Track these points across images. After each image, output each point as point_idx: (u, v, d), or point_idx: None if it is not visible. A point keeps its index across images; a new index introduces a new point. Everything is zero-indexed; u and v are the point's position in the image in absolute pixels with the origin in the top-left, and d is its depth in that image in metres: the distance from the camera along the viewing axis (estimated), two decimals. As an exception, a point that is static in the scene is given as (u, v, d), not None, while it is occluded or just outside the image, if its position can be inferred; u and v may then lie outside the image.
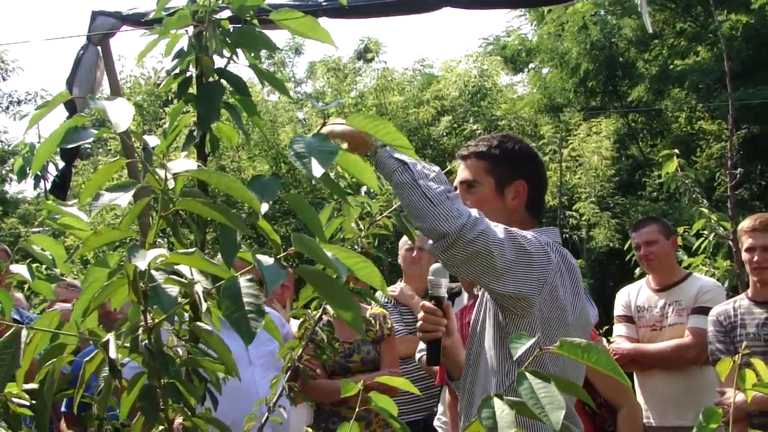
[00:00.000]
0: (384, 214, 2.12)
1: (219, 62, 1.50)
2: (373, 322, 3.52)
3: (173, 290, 1.13)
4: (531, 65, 14.95)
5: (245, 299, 1.10)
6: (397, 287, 4.13)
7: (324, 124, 1.79)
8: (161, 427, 1.26)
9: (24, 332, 1.18)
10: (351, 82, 12.87)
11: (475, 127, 11.40)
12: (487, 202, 2.03)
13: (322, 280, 1.21)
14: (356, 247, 2.06)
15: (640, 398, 3.83)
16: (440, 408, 3.73)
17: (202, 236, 1.42)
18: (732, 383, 1.57)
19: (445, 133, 11.72)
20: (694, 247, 4.74)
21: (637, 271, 4.88)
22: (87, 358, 1.23)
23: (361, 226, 2.08)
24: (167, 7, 1.55)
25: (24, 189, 24.11)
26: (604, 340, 4.08)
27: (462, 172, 2.10)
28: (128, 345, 1.19)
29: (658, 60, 12.42)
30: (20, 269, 1.70)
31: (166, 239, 1.46)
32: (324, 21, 3.21)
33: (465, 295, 3.65)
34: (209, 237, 4.99)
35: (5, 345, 1.16)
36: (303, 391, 3.22)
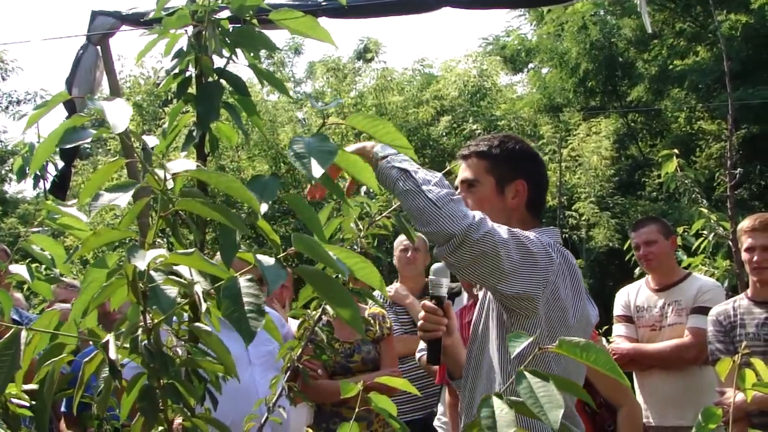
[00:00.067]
0: (383, 215, 2.12)
1: (218, 62, 1.50)
2: (372, 321, 3.52)
3: (172, 291, 1.13)
4: (530, 65, 14.95)
5: (245, 299, 1.10)
6: (392, 287, 4.14)
7: (323, 124, 1.79)
8: (161, 428, 1.26)
9: (23, 333, 1.18)
10: (350, 82, 12.87)
11: (474, 127, 11.40)
12: (487, 202, 2.03)
13: (321, 280, 1.21)
14: (355, 247, 2.07)
15: (639, 398, 3.83)
16: (440, 408, 3.73)
17: (202, 236, 1.42)
18: (732, 383, 1.57)
19: (444, 133, 11.72)
20: (694, 247, 4.74)
21: (637, 271, 4.88)
22: (86, 359, 1.23)
23: (361, 227, 2.08)
24: (167, 6, 1.55)
25: (23, 189, 24.11)
26: (604, 339, 4.08)
27: (463, 171, 2.11)
28: (128, 345, 1.18)
29: (657, 60, 12.42)
30: (20, 269, 1.70)
31: (165, 239, 1.46)
32: (323, 21, 3.21)
33: (465, 295, 3.65)
34: (209, 237, 4.99)
35: (5, 346, 1.16)
36: (304, 391, 3.23)
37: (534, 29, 14.72)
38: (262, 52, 1.55)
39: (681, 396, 3.73)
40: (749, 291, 3.37)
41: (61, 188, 4.27)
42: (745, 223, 3.37)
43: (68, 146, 1.20)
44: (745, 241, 3.32)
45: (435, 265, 2.17)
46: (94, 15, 4.07)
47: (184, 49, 1.51)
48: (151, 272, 1.14)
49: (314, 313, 2.18)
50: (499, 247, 1.81)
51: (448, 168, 2.18)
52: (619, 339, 3.94)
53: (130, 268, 1.11)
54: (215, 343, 1.27)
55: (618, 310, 4.04)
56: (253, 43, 1.50)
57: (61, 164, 4.31)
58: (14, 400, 1.47)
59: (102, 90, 5.05)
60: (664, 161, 4.66)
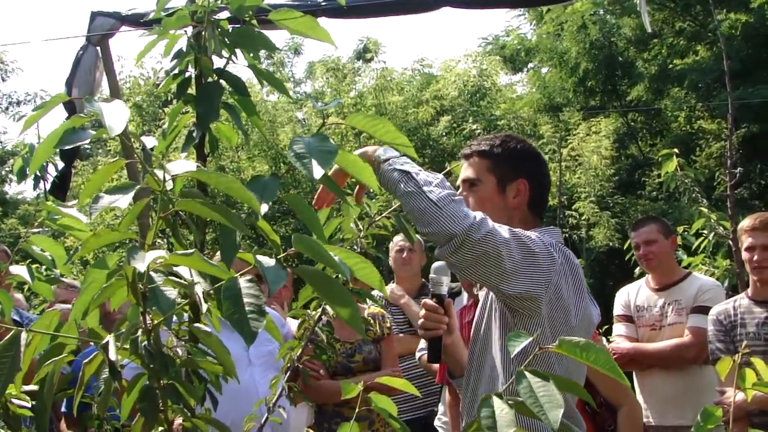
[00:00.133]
0: (383, 215, 2.12)
1: (218, 62, 1.50)
2: (372, 321, 3.53)
3: (172, 292, 1.13)
4: (530, 65, 14.93)
5: (246, 300, 1.10)
6: (388, 288, 4.15)
7: (323, 124, 1.79)
8: (161, 428, 1.26)
9: (23, 335, 1.18)
10: (350, 82, 12.87)
11: (474, 126, 11.40)
12: (488, 201, 2.04)
13: (321, 280, 1.21)
14: (355, 247, 2.07)
15: (639, 398, 3.83)
16: (441, 408, 3.73)
17: (202, 237, 1.42)
18: (732, 382, 1.57)
19: (444, 133, 11.72)
20: (694, 247, 4.74)
21: (637, 270, 4.88)
22: (86, 360, 1.23)
23: (360, 227, 2.09)
24: (166, 7, 1.55)
25: (24, 190, 24.12)
26: (604, 339, 4.08)
27: (464, 170, 2.11)
28: (128, 346, 1.19)
29: (657, 59, 12.41)
30: (20, 270, 1.70)
31: (165, 240, 1.46)
32: (323, 21, 3.21)
33: (465, 295, 3.65)
34: (209, 237, 4.99)
35: (5, 348, 1.16)
36: (305, 392, 3.23)
37: (533, 29, 14.71)
38: (262, 53, 1.56)
39: (681, 395, 3.73)
40: (749, 290, 3.37)
41: (61, 189, 4.27)
42: (746, 223, 3.37)
43: (68, 147, 1.20)
44: (746, 241, 3.32)
45: (436, 264, 2.17)
46: (94, 16, 4.07)
47: (184, 49, 1.51)
48: (151, 273, 1.14)
49: (314, 313, 2.18)
50: (500, 247, 1.81)
51: (448, 168, 2.18)
52: (619, 338, 3.94)
53: (130, 270, 1.11)
54: (215, 344, 1.27)
55: (618, 309, 4.04)
56: (253, 44, 1.50)
57: (61, 165, 4.31)
58: (15, 401, 1.47)
59: (102, 91, 5.05)
60: (664, 161, 4.66)
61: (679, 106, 12.27)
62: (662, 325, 3.85)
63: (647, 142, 13.28)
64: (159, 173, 1.18)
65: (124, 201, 1.14)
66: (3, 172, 18.34)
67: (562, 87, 12.75)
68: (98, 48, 4.10)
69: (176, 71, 1.53)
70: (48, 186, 4.45)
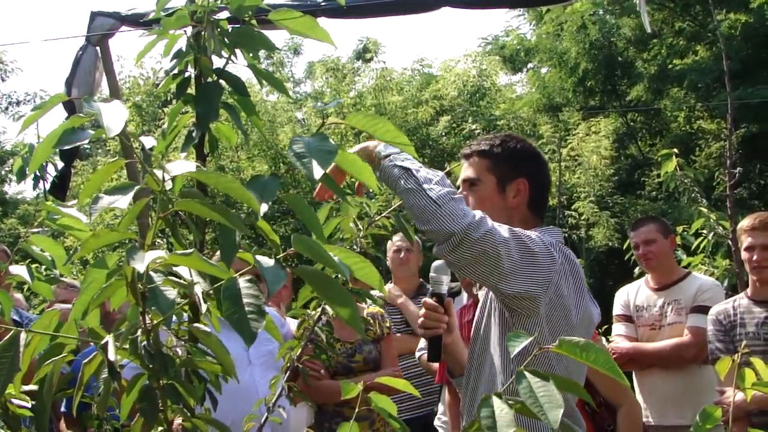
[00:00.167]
0: (383, 215, 2.12)
1: (218, 62, 1.50)
2: (372, 321, 3.53)
3: (171, 292, 1.13)
4: (530, 65, 14.93)
5: (245, 300, 1.10)
6: (384, 288, 4.15)
7: (323, 124, 1.79)
8: (161, 428, 1.26)
9: (23, 335, 1.18)
10: (350, 82, 12.87)
11: (474, 126, 11.40)
12: (488, 200, 2.04)
13: (320, 279, 1.21)
14: (355, 247, 2.07)
15: (639, 397, 3.83)
16: (440, 408, 3.73)
17: (201, 236, 1.42)
18: (731, 382, 1.57)
19: (444, 133, 11.72)
20: (693, 246, 4.74)
21: (637, 270, 4.88)
22: (86, 360, 1.23)
23: (360, 226, 2.09)
24: (166, 7, 1.55)
25: (23, 189, 24.11)
26: (604, 339, 4.08)
27: (465, 170, 2.11)
28: (127, 347, 1.18)
29: (656, 59, 12.41)
30: (20, 270, 1.70)
31: (165, 240, 1.47)
32: (323, 21, 3.21)
33: (464, 295, 3.65)
34: (209, 237, 4.99)
35: (4, 348, 1.16)
36: (306, 392, 3.23)
37: (533, 29, 14.71)
38: (262, 53, 1.56)
39: (680, 395, 3.73)
40: (749, 290, 3.37)
41: (60, 189, 4.27)
42: (745, 222, 3.37)
43: (67, 147, 1.20)
44: (745, 240, 3.32)
45: (436, 263, 2.17)
46: (94, 16, 4.07)
47: (184, 49, 1.51)
48: (151, 273, 1.14)
49: (314, 312, 2.18)
50: (499, 247, 1.81)
51: (448, 169, 2.18)
52: (619, 338, 3.94)
53: (129, 270, 1.11)
54: (214, 344, 1.27)
55: (617, 309, 4.04)
56: (252, 44, 1.50)
57: (60, 165, 4.31)
58: (14, 401, 1.47)
59: (102, 91, 5.05)
60: (664, 160, 4.66)
61: (678, 106, 12.27)
62: (662, 324, 3.85)
63: (647, 142, 13.28)
64: (158, 173, 1.18)
65: (123, 201, 1.14)
66: (3, 172, 18.33)
67: (561, 87, 12.75)
68: (98, 48, 4.10)
69: (176, 71, 1.53)
70: (47, 186, 4.45)
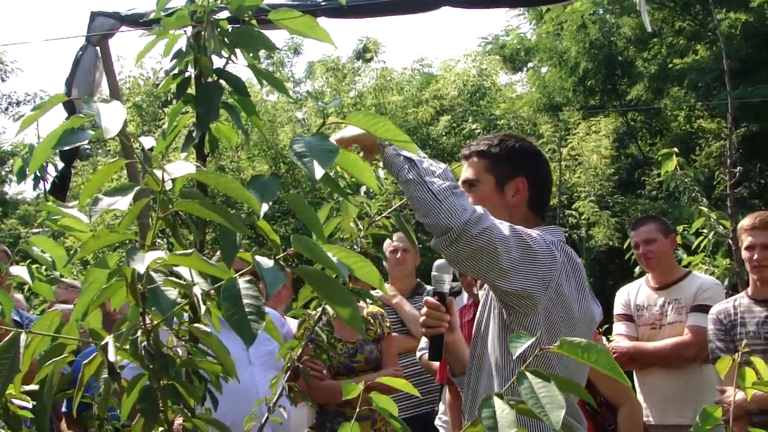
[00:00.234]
0: (383, 215, 2.12)
1: (218, 62, 1.50)
2: (372, 321, 3.53)
3: (172, 293, 1.13)
4: (530, 64, 14.92)
5: (245, 301, 1.10)
6: (385, 287, 4.15)
7: (323, 124, 1.79)
8: (161, 429, 1.26)
9: (23, 336, 1.17)
10: (350, 81, 12.87)
11: (474, 126, 11.40)
12: (488, 201, 2.04)
13: (321, 280, 1.21)
14: (355, 246, 2.07)
15: (639, 396, 3.83)
16: (441, 407, 3.73)
17: (202, 236, 1.42)
18: (732, 382, 1.57)
19: (444, 133, 11.72)
20: (694, 246, 4.74)
21: (637, 269, 4.88)
22: (86, 361, 1.23)
23: (360, 226, 2.09)
24: (166, 7, 1.55)
25: (23, 190, 24.10)
26: (604, 338, 4.08)
27: (464, 171, 2.11)
28: (127, 347, 1.18)
29: (657, 59, 12.41)
30: (20, 271, 1.70)
31: (165, 240, 1.46)
32: (323, 21, 3.21)
33: (465, 295, 3.65)
34: (209, 237, 4.99)
35: (4, 350, 1.16)
36: (309, 392, 3.23)
37: (533, 28, 14.71)
38: (262, 53, 1.56)
39: (681, 394, 3.73)
40: (749, 289, 3.37)
41: (61, 189, 4.27)
42: (745, 222, 3.37)
43: (67, 147, 1.20)
44: (745, 240, 3.32)
45: (437, 262, 2.18)
46: (94, 16, 4.07)
47: (184, 49, 1.51)
48: (151, 273, 1.14)
49: (314, 313, 2.18)
50: (497, 244, 1.81)
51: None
52: (619, 338, 3.94)
53: (129, 271, 1.11)
54: (215, 344, 1.27)
55: (618, 308, 4.04)
56: (253, 44, 1.50)
57: (60, 165, 4.31)
58: (15, 401, 1.47)
59: (101, 91, 5.04)
60: (664, 160, 4.66)
61: (678, 105, 12.27)
62: (662, 324, 3.85)
63: (647, 141, 13.27)
64: (159, 173, 1.18)
65: (123, 203, 1.13)
66: (3, 173, 18.33)
67: (561, 86, 12.74)
68: (98, 48, 4.10)
69: (176, 71, 1.53)
70: (48, 186, 4.45)
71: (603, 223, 9.75)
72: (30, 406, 1.45)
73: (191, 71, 1.52)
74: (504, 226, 1.85)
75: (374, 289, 2.73)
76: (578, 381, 1.97)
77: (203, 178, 1.22)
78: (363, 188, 2.06)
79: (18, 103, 17.99)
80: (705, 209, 4.47)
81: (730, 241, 4.11)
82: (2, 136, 18.73)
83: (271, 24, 1.52)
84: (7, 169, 17.91)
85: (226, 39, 1.48)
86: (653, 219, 4.14)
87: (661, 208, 10.05)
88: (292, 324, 3.32)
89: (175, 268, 1.18)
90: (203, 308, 1.19)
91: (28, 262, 2.03)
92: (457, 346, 2.20)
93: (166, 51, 1.53)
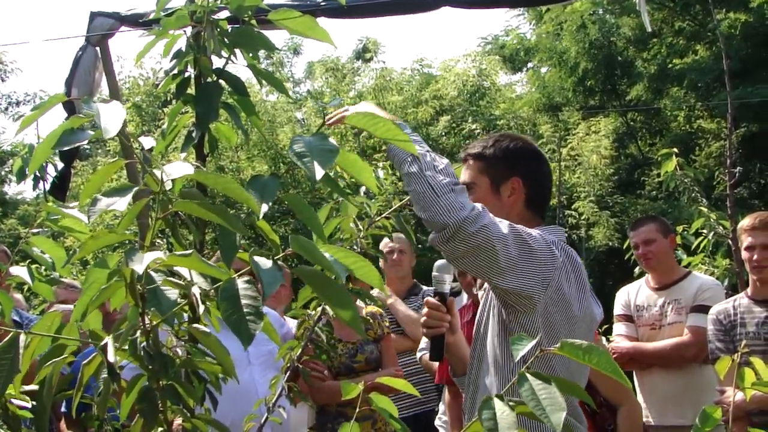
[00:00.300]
0: (383, 215, 2.12)
1: (217, 62, 1.50)
2: (371, 321, 3.53)
3: (172, 293, 1.13)
4: (529, 64, 14.93)
5: (243, 301, 1.10)
6: (385, 288, 4.15)
7: (323, 124, 1.79)
8: (160, 429, 1.26)
9: (22, 337, 1.17)
10: (349, 82, 12.89)
11: (473, 126, 11.40)
12: (485, 202, 2.03)
13: (320, 280, 1.21)
14: (355, 247, 2.07)
15: (639, 397, 3.83)
16: (441, 407, 3.74)
17: (201, 237, 1.42)
18: (731, 382, 1.57)
19: (443, 133, 11.72)
20: (694, 246, 4.74)
21: (637, 270, 4.88)
22: (85, 361, 1.23)
23: (360, 227, 2.09)
24: (166, 7, 1.55)
25: (23, 190, 24.11)
26: (604, 339, 4.08)
27: (462, 174, 2.11)
28: (127, 348, 1.18)
29: (656, 59, 12.41)
30: (20, 271, 1.70)
31: (165, 240, 1.46)
32: (322, 21, 3.21)
33: (465, 295, 3.66)
34: (209, 237, 4.99)
35: (4, 350, 1.16)
36: (310, 392, 3.22)
37: (533, 28, 14.71)
38: (261, 53, 1.55)
39: (681, 395, 3.73)
40: (749, 290, 3.37)
41: (60, 189, 4.27)
42: (745, 222, 3.37)
43: (67, 148, 1.20)
44: (745, 240, 3.32)
45: (438, 262, 2.18)
46: (93, 16, 4.06)
47: (183, 49, 1.51)
48: (151, 273, 1.14)
49: (314, 313, 2.18)
50: (495, 242, 1.81)
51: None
52: (619, 338, 3.94)
53: (128, 271, 1.11)
54: (214, 344, 1.27)
55: (618, 309, 4.04)
56: (252, 44, 1.50)
57: (60, 165, 4.31)
58: (14, 401, 1.46)
59: (101, 91, 5.04)
60: (664, 160, 4.66)
61: (678, 105, 12.27)
62: (662, 324, 3.85)
63: (647, 141, 13.28)
64: (158, 173, 1.17)
65: (121, 204, 1.13)
66: (3, 173, 18.33)
67: (561, 87, 12.75)
68: (98, 48, 4.09)
69: (175, 71, 1.53)
70: (47, 186, 4.44)
71: (603, 223, 9.76)
72: (29, 406, 1.45)
73: (191, 71, 1.52)
74: (503, 225, 1.85)
75: (372, 289, 2.73)
76: (579, 380, 1.98)
77: (202, 178, 1.22)
78: (362, 188, 2.06)
79: (18, 103, 17.99)
80: (705, 209, 4.47)
81: (730, 242, 4.11)
82: (2, 136, 18.72)
83: (270, 24, 1.52)
84: (6, 169, 17.90)
85: (225, 39, 1.48)
86: (653, 219, 4.13)
87: (661, 208, 10.06)
88: (292, 324, 3.31)
89: (175, 268, 1.18)
90: (202, 308, 1.19)
91: (27, 262, 2.03)
92: (458, 347, 2.20)
93: (166, 51, 1.53)
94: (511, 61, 14.77)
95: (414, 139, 1.92)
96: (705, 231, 4.53)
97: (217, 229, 1.23)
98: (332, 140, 1.30)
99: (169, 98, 11.78)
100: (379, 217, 2.11)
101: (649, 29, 4.76)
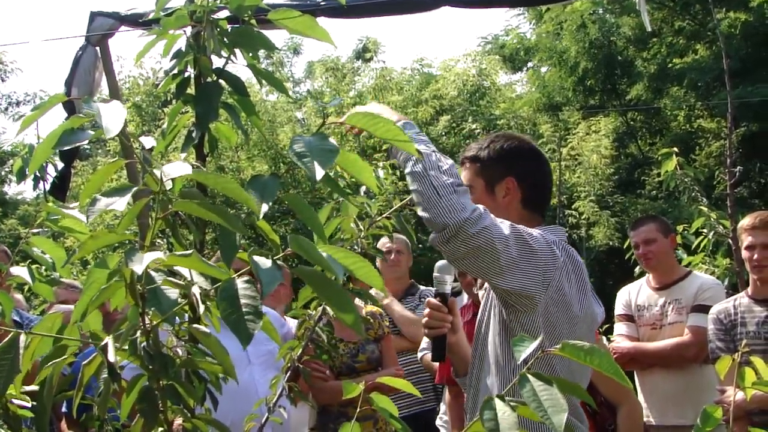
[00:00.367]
0: (383, 215, 2.12)
1: (217, 62, 1.50)
2: (372, 321, 3.53)
3: (173, 293, 1.12)
4: (529, 64, 14.93)
5: (242, 301, 1.10)
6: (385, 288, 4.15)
7: (323, 124, 1.78)
8: (161, 429, 1.26)
9: (22, 337, 1.17)
10: (350, 81, 12.89)
11: (473, 126, 11.41)
12: (482, 204, 2.03)
13: (320, 280, 1.20)
14: (355, 247, 2.06)
15: (640, 397, 3.83)
16: (442, 407, 3.74)
17: (201, 237, 1.42)
18: (732, 381, 1.57)
19: (444, 133, 11.73)
20: (694, 246, 4.74)
21: (637, 269, 4.88)
22: (85, 361, 1.23)
23: (361, 227, 2.08)
24: (166, 7, 1.54)
25: (23, 190, 24.12)
26: (604, 339, 4.08)
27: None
28: (127, 348, 1.18)
29: (656, 58, 12.41)
30: (20, 271, 1.70)
31: (165, 240, 1.46)
32: (322, 20, 3.21)
33: (465, 295, 3.66)
34: (209, 237, 4.99)
35: (4, 350, 1.16)
36: (312, 393, 3.22)
37: (533, 28, 14.72)
38: (261, 52, 1.55)
39: (681, 395, 3.73)
40: (749, 289, 3.37)
41: (60, 189, 4.27)
42: (745, 221, 3.37)
43: (67, 148, 1.20)
44: (746, 240, 3.32)
45: (439, 263, 2.18)
46: (93, 16, 4.06)
47: (183, 49, 1.51)
48: (151, 273, 1.13)
49: (314, 313, 2.18)
50: (496, 243, 1.81)
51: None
52: (620, 338, 3.94)
53: (128, 271, 1.11)
54: (214, 344, 1.27)
55: (619, 309, 4.04)
56: (252, 43, 1.49)
57: (60, 165, 4.31)
58: (15, 401, 1.46)
59: (101, 91, 5.04)
60: (664, 159, 4.66)
61: (678, 105, 12.28)
62: (663, 324, 3.85)
63: (647, 141, 13.28)
64: (158, 173, 1.17)
65: (121, 204, 1.13)
66: (3, 173, 18.34)
67: (561, 86, 12.75)
68: (97, 48, 4.09)
69: (175, 71, 1.52)
70: (47, 186, 4.44)
71: (603, 223, 9.76)
72: (30, 406, 1.45)
73: (191, 71, 1.51)
74: (504, 225, 1.85)
75: (371, 288, 2.73)
76: (581, 380, 1.99)
77: (201, 178, 1.22)
78: (363, 188, 2.06)
79: (18, 103, 18.01)
80: (705, 209, 4.47)
81: (730, 241, 4.10)
82: (2, 136, 18.72)
83: (270, 24, 1.51)
84: (7, 169, 17.91)
85: (225, 39, 1.48)
86: (653, 219, 4.13)
87: (661, 207, 10.06)
88: (293, 324, 3.31)
89: (175, 268, 1.18)
90: (202, 308, 1.19)
91: (28, 262, 2.03)
92: (460, 347, 2.20)
93: (166, 51, 1.52)
94: (511, 60, 14.78)
95: (420, 138, 1.92)
96: (705, 230, 4.53)
97: (217, 229, 1.22)
98: (332, 140, 1.30)
99: (169, 98, 11.79)
100: (379, 217, 2.11)
101: (649, 29, 4.76)
